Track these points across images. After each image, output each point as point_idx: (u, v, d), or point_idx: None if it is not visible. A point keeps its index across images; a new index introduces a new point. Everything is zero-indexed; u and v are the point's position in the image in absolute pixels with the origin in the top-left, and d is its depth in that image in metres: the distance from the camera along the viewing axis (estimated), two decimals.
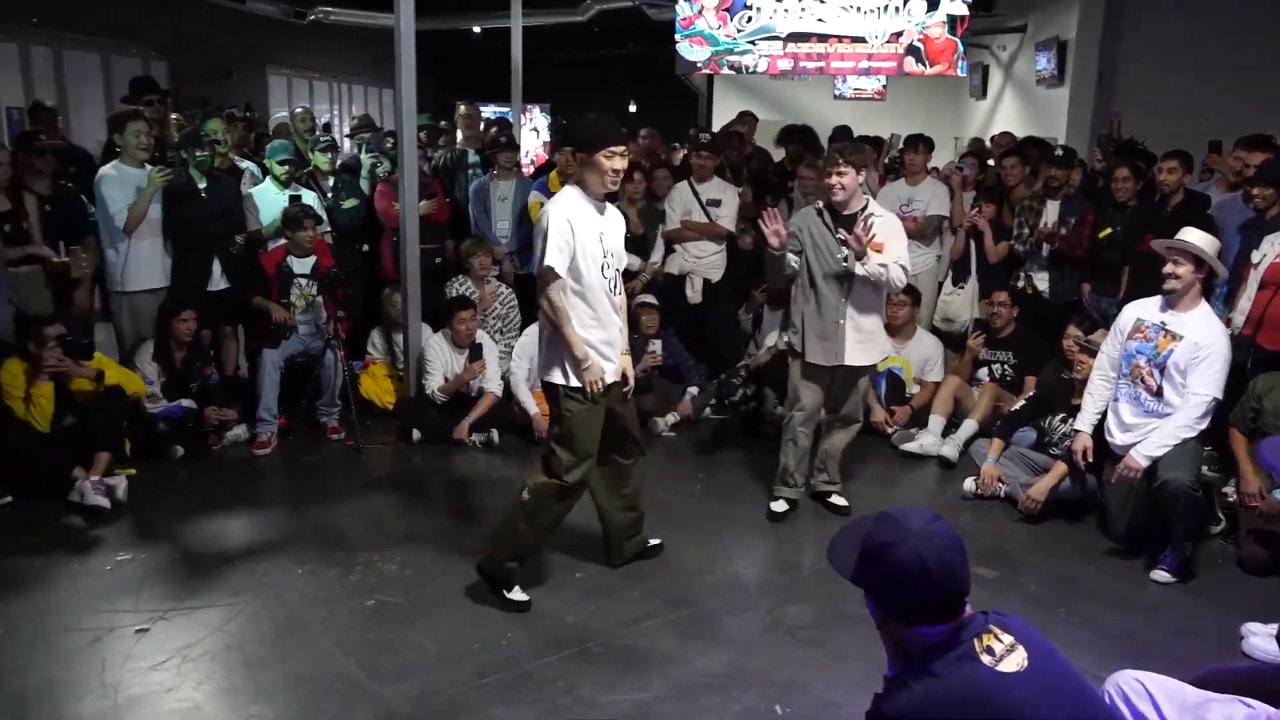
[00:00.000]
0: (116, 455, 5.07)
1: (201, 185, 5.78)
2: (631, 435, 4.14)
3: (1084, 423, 4.72)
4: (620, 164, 3.68)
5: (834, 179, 4.56)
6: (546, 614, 3.87)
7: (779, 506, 4.95)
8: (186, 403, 5.62)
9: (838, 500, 5.07)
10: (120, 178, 5.58)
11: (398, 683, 3.37)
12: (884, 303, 4.86)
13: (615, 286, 3.89)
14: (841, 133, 7.71)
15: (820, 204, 4.74)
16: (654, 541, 4.45)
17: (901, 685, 1.87)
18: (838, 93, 14.58)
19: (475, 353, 5.98)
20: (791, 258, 4.66)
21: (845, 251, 4.53)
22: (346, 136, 8.68)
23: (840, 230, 4.57)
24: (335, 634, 3.66)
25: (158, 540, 4.48)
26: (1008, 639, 1.86)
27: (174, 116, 7.44)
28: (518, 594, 3.92)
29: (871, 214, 4.63)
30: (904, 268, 4.61)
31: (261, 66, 17.34)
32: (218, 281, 5.94)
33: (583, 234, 3.67)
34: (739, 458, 5.86)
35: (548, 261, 3.61)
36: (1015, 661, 1.83)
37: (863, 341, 4.71)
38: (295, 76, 18.68)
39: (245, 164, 6.62)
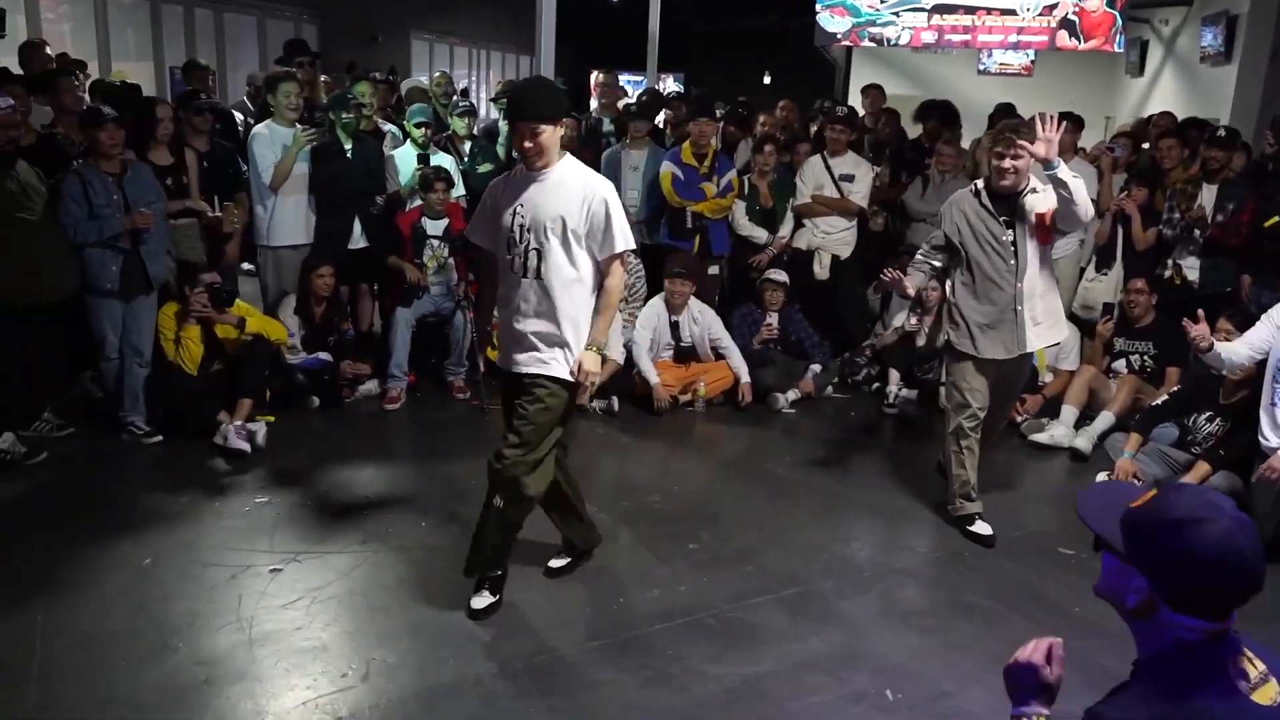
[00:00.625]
0: (258, 402, 5.32)
1: (347, 146, 5.96)
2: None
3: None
4: (528, 143, 3.29)
5: (1009, 162, 4.19)
6: (658, 582, 3.90)
7: (984, 529, 4.43)
8: (324, 356, 5.84)
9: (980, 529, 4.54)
10: (270, 137, 5.81)
11: (512, 639, 3.45)
12: (1054, 278, 4.48)
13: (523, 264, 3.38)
14: (1005, 111, 7.37)
15: (977, 185, 4.42)
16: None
17: (1141, 695, 1.65)
18: (982, 67, 14.02)
19: None
20: (933, 262, 4.42)
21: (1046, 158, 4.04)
22: (490, 100, 8.82)
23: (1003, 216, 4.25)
24: (454, 587, 3.76)
25: (292, 485, 4.69)
26: (1261, 667, 1.65)
27: (323, 79, 7.69)
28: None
29: (1034, 189, 4.28)
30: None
31: (406, 31, 17.77)
32: (357, 240, 6.13)
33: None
34: (860, 439, 5.76)
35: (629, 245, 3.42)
36: (1269, 695, 1.62)
37: (1043, 322, 4.35)
38: (437, 42, 19.09)
39: (388, 127, 6.80)
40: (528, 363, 3.42)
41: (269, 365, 5.46)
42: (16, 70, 6.73)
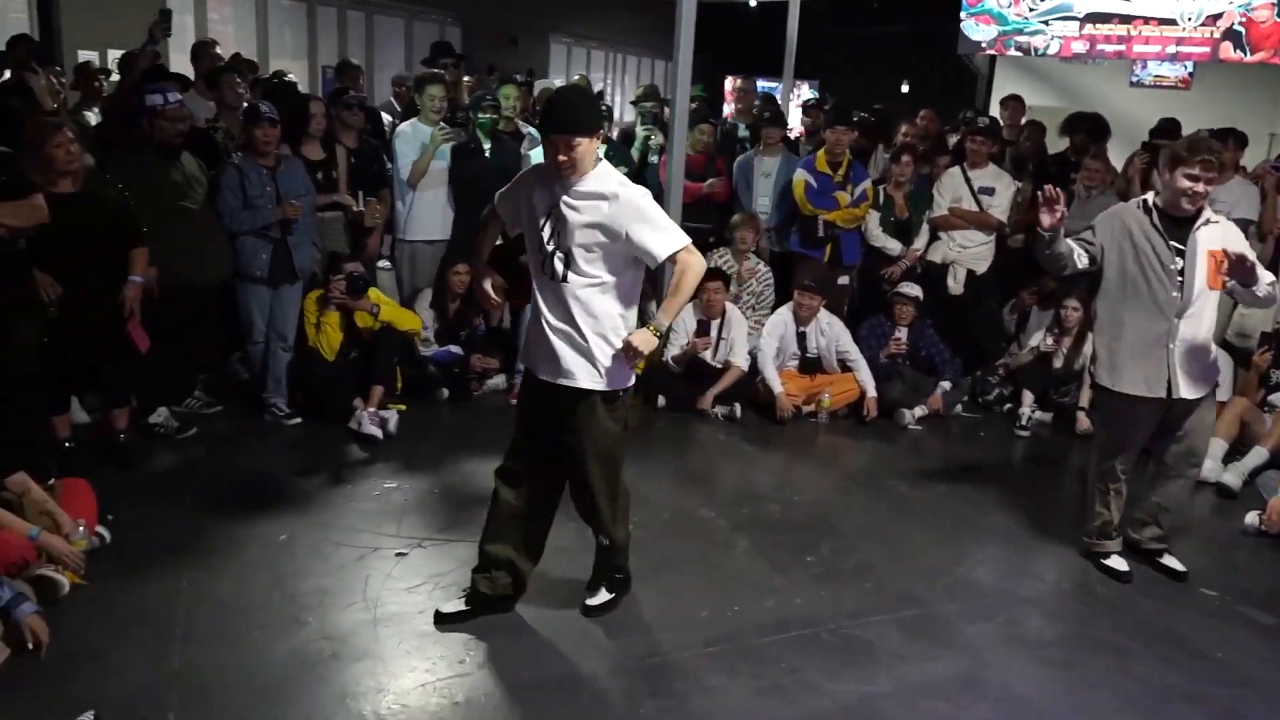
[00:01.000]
0: (390, 390, 5.51)
1: (486, 146, 6.11)
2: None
3: None
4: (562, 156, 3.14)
5: (1201, 185, 3.81)
6: (775, 592, 3.87)
7: (1120, 564, 4.19)
8: (455, 349, 6.01)
9: (1172, 563, 4.25)
10: (413, 135, 6.01)
11: (625, 638, 3.48)
12: (1212, 328, 4.09)
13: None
14: (1168, 127, 7.02)
15: (1148, 200, 4.03)
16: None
17: None
18: (1135, 79, 13.42)
19: (702, 328, 6.01)
20: (1078, 253, 4.01)
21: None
22: (631, 104, 8.88)
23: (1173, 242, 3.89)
24: (571, 584, 3.80)
25: (420, 473, 4.84)
26: None
27: (466, 80, 7.90)
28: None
29: (1209, 220, 3.94)
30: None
31: (545, 34, 18.11)
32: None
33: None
34: (989, 461, 5.59)
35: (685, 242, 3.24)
36: None
37: (1194, 371, 3.96)
38: (575, 45, 19.39)
39: (528, 129, 6.94)
40: (550, 371, 3.28)
41: (400, 354, 5.64)
42: (188, 68, 7.13)
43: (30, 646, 3.08)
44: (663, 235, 3.19)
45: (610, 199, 3.17)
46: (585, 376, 3.25)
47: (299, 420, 5.37)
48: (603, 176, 3.21)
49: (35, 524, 3.49)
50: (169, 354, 5.05)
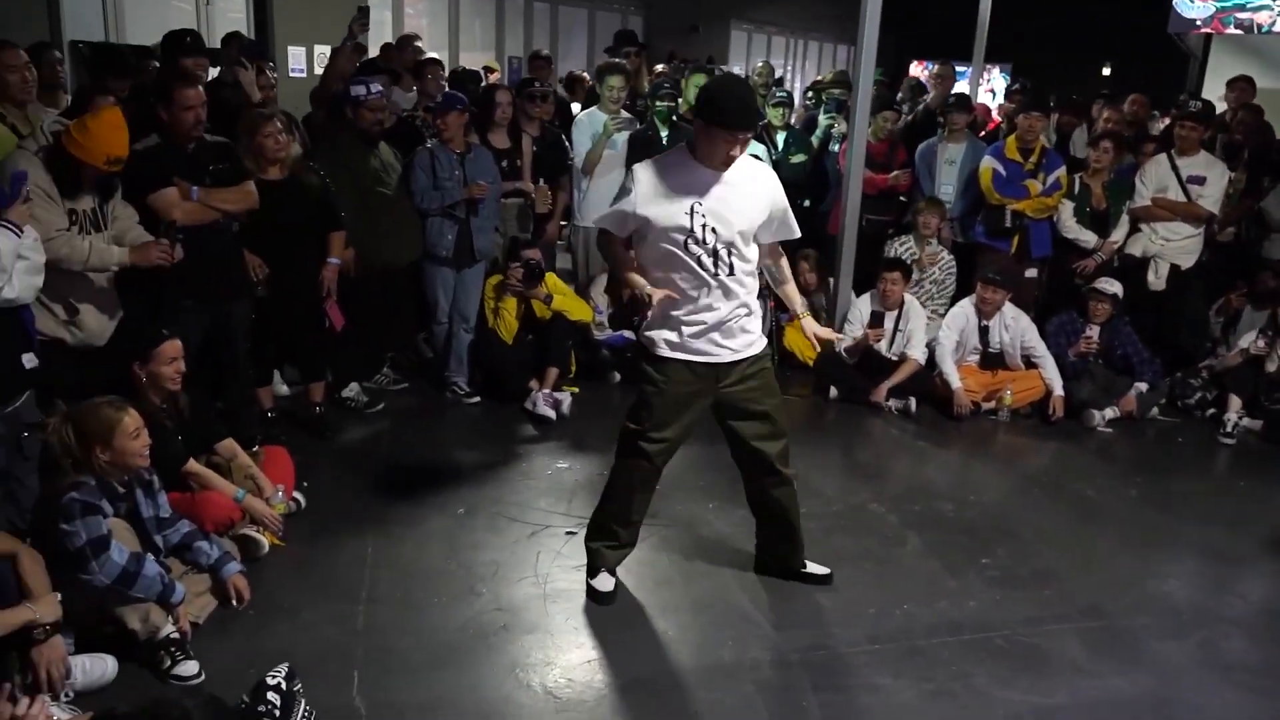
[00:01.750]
0: (564, 373, 5.66)
1: (664, 134, 6.16)
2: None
3: None
4: (737, 150, 3.18)
5: None
6: (946, 594, 3.76)
7: None
8: (627, 334, 6.09)
9: None
10: (589, 123, 6.14)
11: (790, 629, 3.46)
12: None
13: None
14: None
15: None
16: (817, 569, 3.80)
17: None
18: None
19: (876, 320, 5.85)
20: None
21: None
22: (816, 90, 8.75)
23: None
24: (737, 571, 3.82)
25: (591, 454, 4.94)
26: None
27: (659, 68, 7.97)
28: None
29: None
30: None
31: (726, 21, 18.07)
32: None
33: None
34: (1188, 468, 5.24)
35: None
36: None
37: None
38: (755, 31, 19.27)
39: None
40: (743, 348, 3.41)
41: (574, 338, 5.78)
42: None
43: (235, 603, 3.33)
44: (793, 222, 3.48)
45: (757, 185, 3.31)
46: (761, 342, 3.48)
47: (478, 399, 5.59)
48: (743, 164, 3.29)
49: (240, 487, 3.78)
50: (362, 332, 5.36)
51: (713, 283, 3.28)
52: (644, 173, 3.27)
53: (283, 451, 4.29)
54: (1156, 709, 3.13)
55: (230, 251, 4.41)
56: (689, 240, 3.22)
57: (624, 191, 3.30)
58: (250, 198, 4.34)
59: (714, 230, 3.22)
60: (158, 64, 5.36)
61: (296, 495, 4.14)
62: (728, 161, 3.19)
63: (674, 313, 3.35)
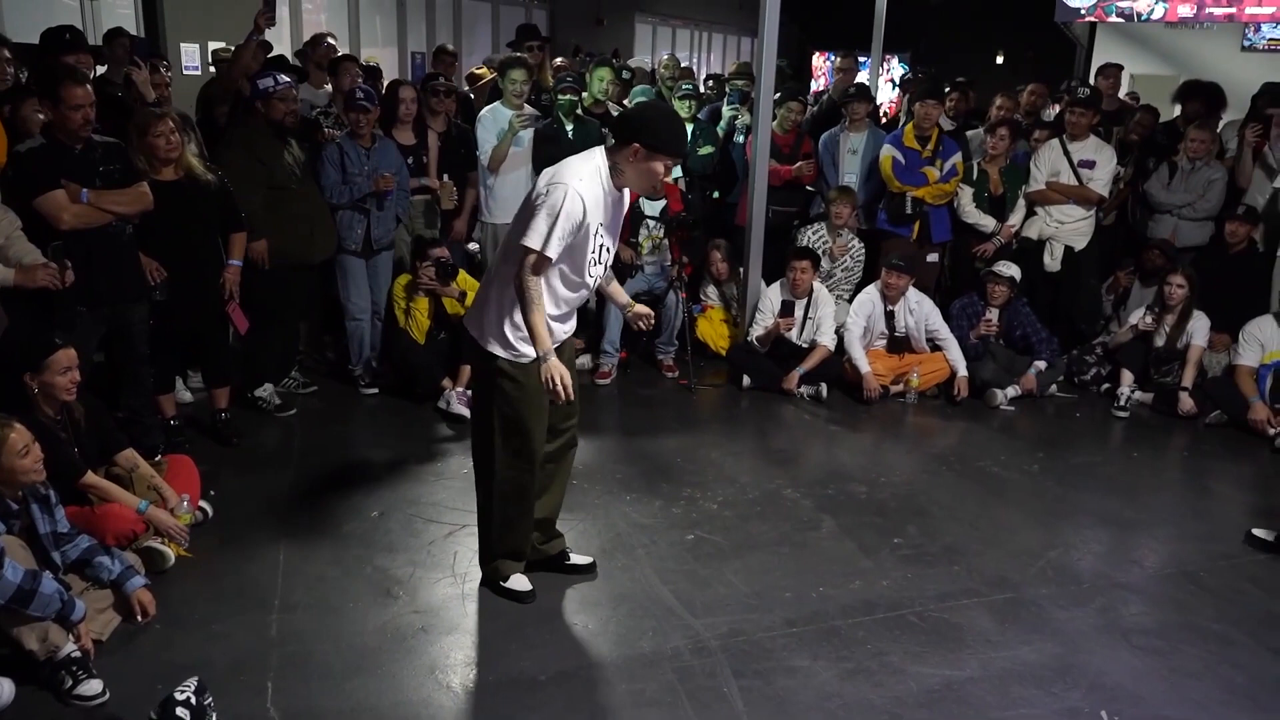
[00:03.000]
0: None
1: (568, 127, 6.14)
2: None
3: None
4: (666, 176, 3.24)
5: None
6: (861, 574, 3.83)
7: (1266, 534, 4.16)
8: None
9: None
10: (494, 119, 6.06)
11: (709, 616, 3.48)
12: None
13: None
14: (1273, 90, 6.67)
15: None
16: (578, 560, 3.78)
17: None
18: (1248, 43, 12.79)
19: (786, 309, 5.94)
20: None
21: None
22: (713, 79, 8.79)
23: None
24: (655, 561, 3.84)
25: None
26: None
27: (558, 61, 7.93)
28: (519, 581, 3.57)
29: None
30: None
31: (630, 14, 18.09)
32: None
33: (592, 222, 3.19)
34: (1085, 441, 5.43)
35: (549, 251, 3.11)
36: None
37: None
38: (660, 24, 19.33)
39: (618, 112, 6.94)
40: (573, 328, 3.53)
41: None
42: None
43: (139, 618, 3.22)
44: None
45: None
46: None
47: (375, 390, 5.57)
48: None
49: (143, 498, 3.66)
50: (275, 331, 5.24)
51: (590, 283, 3.36)
52: (592, 203, 3.13)
53: (187, 460, 4.17)
54: (1062, 674, 3.24)
55: (125, 255, 4.25)
56: (590, 260, 3.26)
57: (570, 217, 3.08)
58: (144, 199, 4.19)
59: (607, 249, 3.31)
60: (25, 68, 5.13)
61: (203, 505, 4.02)
62: (658, 186, 3.27)
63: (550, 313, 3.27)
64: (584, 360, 6.19)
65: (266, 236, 4.94)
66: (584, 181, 3.12)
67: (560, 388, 3.12)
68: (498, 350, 3.29)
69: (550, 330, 3.21)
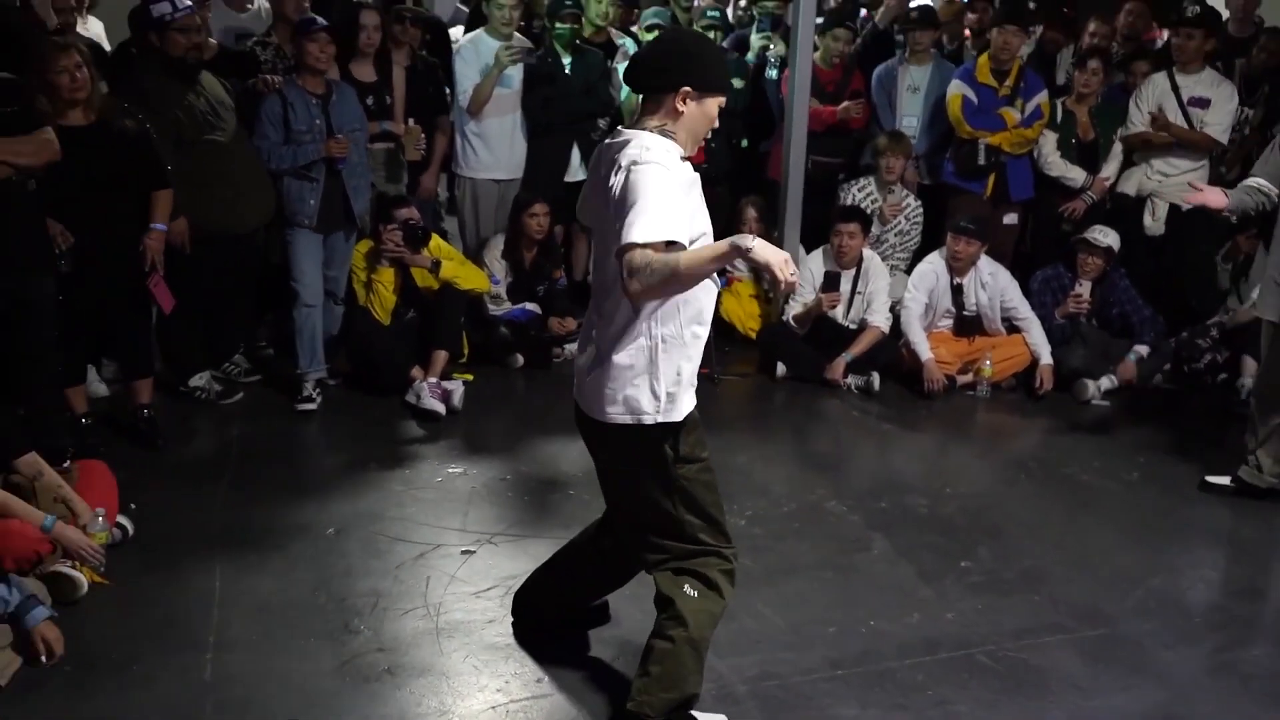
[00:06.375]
0: (454, 357, 5.62)
1: (565, 61, 6.13)
2: None
3: None
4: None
5: None
6: (920, 605, 3.84)
7: None
8: (531, 307, 6.08)
9: None
10: (476, 52, 6.04)
11: (736, 657, 3.49)
12: None
13: None
14: None
15: None
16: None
17: None
18: None
19: (830, 282, 5.92)
20: (1268, 190, 4.05)
21: None
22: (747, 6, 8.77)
23: None
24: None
25: (490, 455, 4.93)
26: None
27: None
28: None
29: None
30: None
31: None
32: (575, 171, 6.31)
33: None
34: (1198, 444, 5.42)
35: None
36: None
37: None
38: None
39: (622, 40, 6.93)
40: None
41: (466, 314, 5.73)
42: None
43: (44, 659, 3.24)
44: None
45: None
46: None
47: (335, 382, 5.55)
48: None
49: (49, 513, 3.66)
50: (208, 312, 5.25)
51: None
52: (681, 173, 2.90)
53: (102, 466, 4.19)
54: None
55: (26, 216, 4.26)
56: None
57: (670, 194, 2.79)
58: (49, 147, 4.20)
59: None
60: None
61: (122, 520, 4.04)
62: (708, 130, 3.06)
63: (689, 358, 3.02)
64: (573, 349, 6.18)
65: (180, 204, 4.85)
66: (670, 159, 2.87)
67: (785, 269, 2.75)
68: (647, 413, 2.93)
69: (681, 380, 2.96)
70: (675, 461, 2.98)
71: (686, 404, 2.99)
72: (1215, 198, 4.01)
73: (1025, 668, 3.50)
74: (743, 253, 2.68)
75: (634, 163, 2.81)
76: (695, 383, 3.00)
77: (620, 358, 2.92)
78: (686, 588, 3.02)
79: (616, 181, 2.83)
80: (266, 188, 5.26)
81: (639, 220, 2.70)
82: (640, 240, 2.67)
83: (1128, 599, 3.94)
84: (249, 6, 6.36)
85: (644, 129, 2.92)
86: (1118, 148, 6.42)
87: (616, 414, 2.94)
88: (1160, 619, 3.83)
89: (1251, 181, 4.11)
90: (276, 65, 5.66)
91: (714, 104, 2.98)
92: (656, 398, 2.92)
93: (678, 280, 2.70)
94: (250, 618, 3.62)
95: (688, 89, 2.91)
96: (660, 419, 2.93)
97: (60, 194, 4.38)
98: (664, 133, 2.92)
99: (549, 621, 3.61)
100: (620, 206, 2.77)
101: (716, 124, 3.06)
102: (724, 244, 2.70)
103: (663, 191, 2.75)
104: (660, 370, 2.92)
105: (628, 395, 2.92)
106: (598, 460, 3.18)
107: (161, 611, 3.64)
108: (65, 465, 4.05)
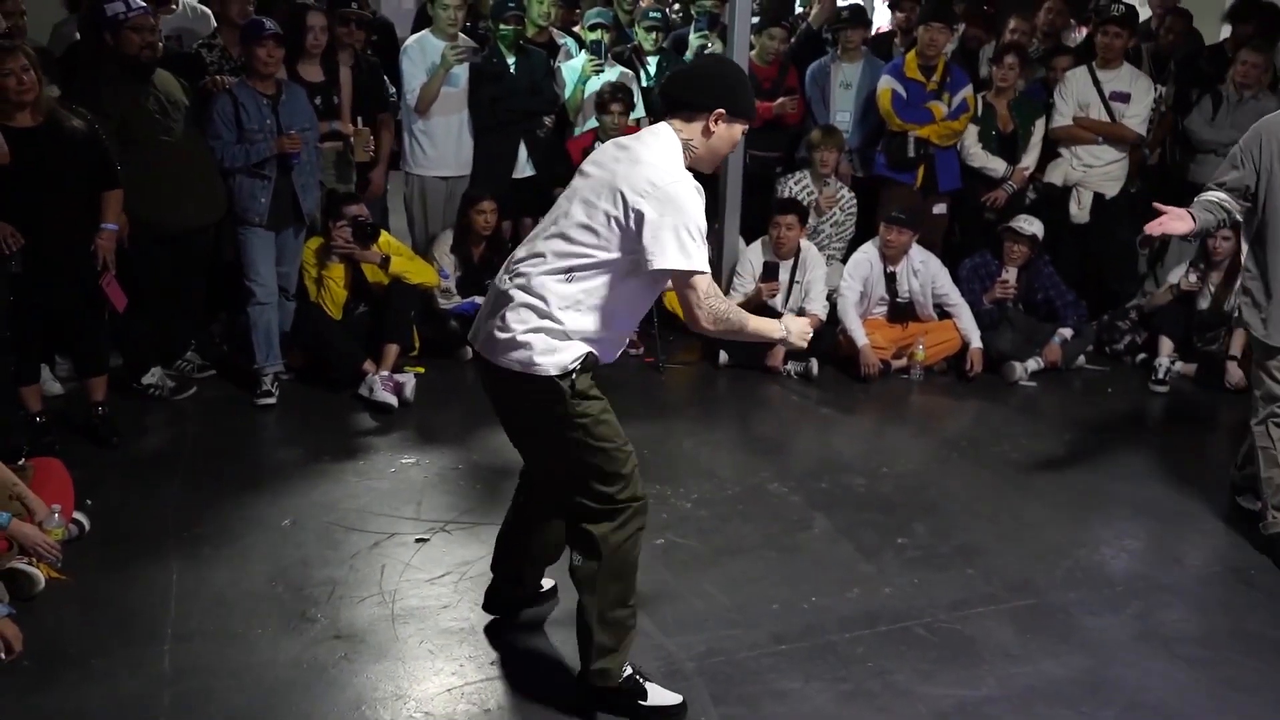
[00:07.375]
0: (405, 350, 5.58)
1: (510, 60, 6.09)
2: None
3: None
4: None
5: None
6: (860, 580, 3.87)
7: None
8: (480, 300, 6.02)
9: None
10: (422, 52, 5.99)
11: (683, 635, 3.50)
12: None
13: None
14: None
15: None
16: (547, 584, 3.67)
17: None
18: None
19: (769, 272, 5.95)
20: (1226, 203, 3.97)
21: None
22: (685, 1, 8.76)
23: None
24: None
25: (442, 446, 4.90)
26: None
27: None
28: (662, 694, 3.16)
29: None
30: None
31: None
32: (523, 168, 6.29)
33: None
34: (1119, 421, 5.52)
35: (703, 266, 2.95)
36: None
37: None
38: None
39: (564, 40, 6.90)
40: None
41: (417, 308, 5.69)
42: None
43: (3, 655, 3.18)
44: None
45: None
46: None
47: (289, 375, 5.48)
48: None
49: (4, 510, 3.60)
50: (159, 308, 5.17)
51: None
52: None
53: (57, 464, 4.12)
54: (1094, 691, 3.29)
55: None
56: None
57: (698, 227, 2.93)
58: None
59: None
60: None
61: (78, 516, 3.98)
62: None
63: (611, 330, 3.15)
64: None
65: (128, 201, 4.72)
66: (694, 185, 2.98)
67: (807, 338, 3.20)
68: (550, 366, 3.00)
69: (597, 356, 3.10)
70: (573, 397, 3.04)
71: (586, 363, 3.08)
72: (1180, 225, 3.89)
73: (960, 638, 3.55)
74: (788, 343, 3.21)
75: (674, 182, 2.91)
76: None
77: (531, 335, 3.02)
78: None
79: (648, 192, 2.88)
80: (216, 186, 5.18)
81: (692, 248, 2.89)
82: (701, 269, 2.92)
83: (1056, 570, 4.00)
84: (174, 7, 6.15)
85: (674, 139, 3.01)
86: (1036, 138, 6.48)
87: (514, 365, 3.04)
88: (1087, 588, 3.89)
89: (1211, 196, 4.02)
90: (223, 67, 5.58)
91: (739, 129, 3.10)
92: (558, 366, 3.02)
93: (742, 337, 3.12)
94: (208, 610, 3.58)
95: (721, 110, 3.00)
96: (554, 374, 3.01)
97: (10, 195, 4.29)
98: (687, 146, 3.03)
99: (511, 604, 3.59)
100: (658, 227, 2.87)
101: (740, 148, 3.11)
102: (779, 332, 3.14)
103: (700, 216, 2.93)
104: (564, 353, 3.03)
105: (527, 357, 3.02)
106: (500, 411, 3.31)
107: (119, 606, 3.59)
108: (20, 463, 3.99)
